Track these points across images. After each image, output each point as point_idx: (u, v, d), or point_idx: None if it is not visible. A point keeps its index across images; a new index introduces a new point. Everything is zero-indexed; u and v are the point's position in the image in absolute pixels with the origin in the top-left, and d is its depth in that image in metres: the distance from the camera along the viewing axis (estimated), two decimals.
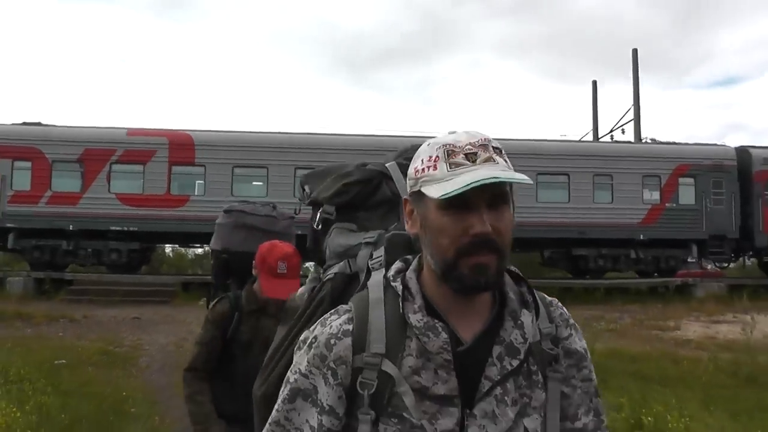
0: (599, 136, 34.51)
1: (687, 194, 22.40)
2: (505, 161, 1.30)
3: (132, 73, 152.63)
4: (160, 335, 13.44)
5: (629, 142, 28.86)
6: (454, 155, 1.29)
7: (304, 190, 2.00)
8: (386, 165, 1.80)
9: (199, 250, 28.69)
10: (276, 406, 1.39)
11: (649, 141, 31.58)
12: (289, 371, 1.41)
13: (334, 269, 1.70)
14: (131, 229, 20.68)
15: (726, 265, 23.95)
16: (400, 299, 1.37)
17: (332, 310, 1.44)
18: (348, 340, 1.34)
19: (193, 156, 21.11)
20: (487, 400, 1.29)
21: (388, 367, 1.30)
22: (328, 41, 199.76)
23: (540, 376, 1.35)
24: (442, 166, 1.29)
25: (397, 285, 1.39)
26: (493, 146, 1.31)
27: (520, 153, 20.33)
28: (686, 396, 7.94)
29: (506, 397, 1.30)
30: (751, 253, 24.10)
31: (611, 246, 21.79)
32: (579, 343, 1.43)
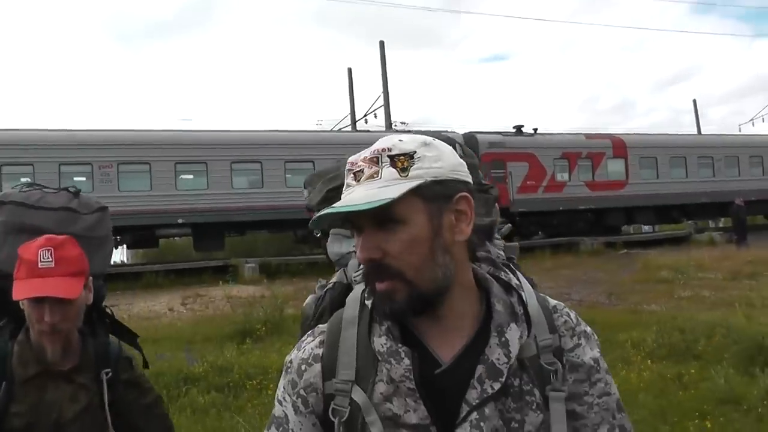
0: (356, 121, 37.21)
1: None
2: (403, 170, 1.19)
3: None
4: None
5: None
6: (349, 174, 1.24)
7: (305, 193, 1.95)
8: None
9: None
10: None
11: (400, 124, 35.16)
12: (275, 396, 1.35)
13: (334, 278, 1.69)
14: None
15: None
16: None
17: (310, 331, 1.39)
18: (317, 366, 1.29)
19: None
20: (463, 427, 1.20)
21: (357, 394, 1.23)
22: None
23: (536, 396, 1.25)
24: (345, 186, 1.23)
25: (369, 303, 1.31)
26: (391, 155, 1.21)
27: (270, 144, 22.89)
28: None
29: (482, 424, 1.20)
30: None
31: None
32: (589, 353, 1.33)
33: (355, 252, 1.44)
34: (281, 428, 1.30)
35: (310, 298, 1.82)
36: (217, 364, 7.99)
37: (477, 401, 1.20)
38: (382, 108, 34.93)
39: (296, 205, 22.97)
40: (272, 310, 11.23)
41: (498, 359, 1.22)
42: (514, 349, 1.24)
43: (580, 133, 30.21)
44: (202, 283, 18.34)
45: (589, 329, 1.36)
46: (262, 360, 8.32)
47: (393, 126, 34.51)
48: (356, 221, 1.21)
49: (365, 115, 36.34)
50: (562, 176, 28.18)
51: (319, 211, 1.64)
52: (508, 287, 1.33)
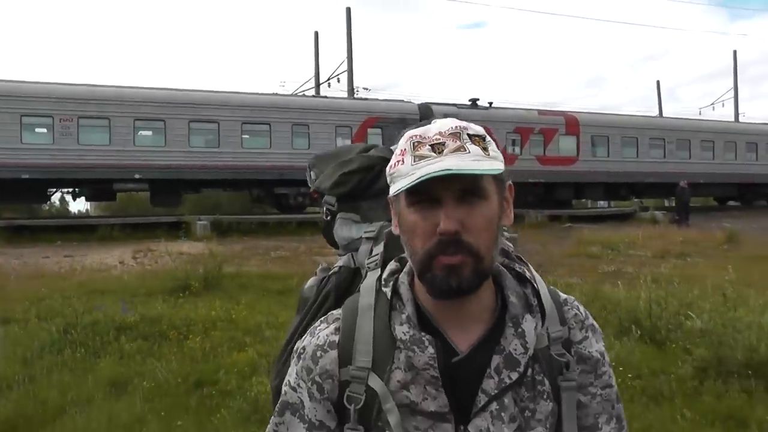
0: (320, 84, 37.72)
1: (375, 142, 26.15)
2: (484, 149, 1.21)
3: None
4: None
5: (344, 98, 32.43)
6: (420, 147, 1.21)
7: (310, 174, 1.91)
8: (391, 149, 1.47)
9: None
10: (271, 417, 1.35)
11: (363, 89, 35.86)
12: (283, 382, 1.36)
13: (340, 262, 1.67)
14: None
15: None
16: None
17: (323, 318, 1.38)
18: (334, 353, 1.29)
19: None
20: (482, 416, 1.22)
21: (374, 382, 1.24)
22: None
23: (547, 385, 1.27)
24: (408, 160, 1.21)
25: (388, 291, 1.32)
26: (469, 133, 1.22)
27: (227, 105, 23.63)
28: (288, 302, 10.95)
29: (503, 414, 1.23)
30: None
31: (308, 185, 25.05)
32: (595, 346, 1.36)
33: (365, 238, 1.61)
34: (297, 414, 1.31)
35: (311, 280, 1.75)
36: (148, 316, 8.77)
37: (495, 391, 1.23)
38: (346, 73, 35.60)
39: (252, 166, 23.74)
40: (211, 268, 11.93)
41: (515, 349, 1.25)
42: (531, 339, 1.26)
43: (534, 109, 31.13)
44: (156, 238, 18.84)
45: (594, 322, 1.39)
46: (189, 313, 9.09)
47: (356, 91, 35.20)
48: (435, 192, 1.18)
49: (328, 79, 37.02)
50: (514, 150, 29.11)
51: (330, 194, 1.76)
52: (521, 279, 1.35)
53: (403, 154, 1.23)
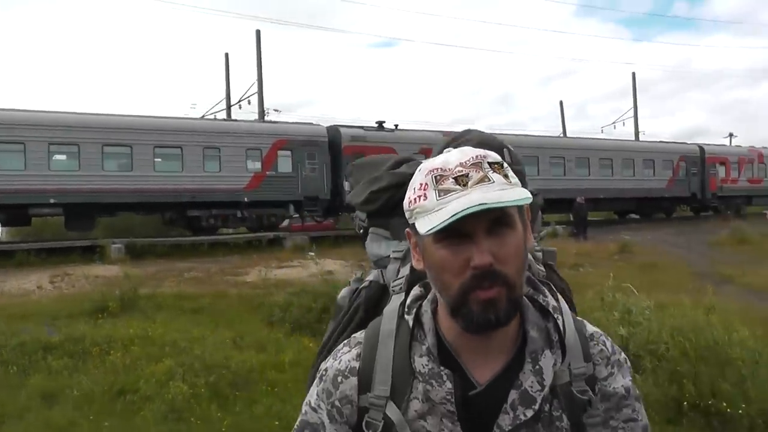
0: (231, 106, 38.47)
1: (285, 164, 27.36)
2: (506, 176, 1.22)
3: None
4: None
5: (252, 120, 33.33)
6: (443, 180, 1.20)
7: (345, 184, 2.47)
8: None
9: None
10: None
11: (274, 111, 36.97)
12: (304, 401, 1.39)
13: (370, 276, 1.67)
14: None
15: (320, 220, 29.37)
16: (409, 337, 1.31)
17: (346, 341, 1.41)
18: (354, 380, 1.32)
19: None
20: None
21: (392, 411, 1.26)
22: None
23: (565, 422, 1.26)
24: (432, 195, 1.20)
25: (410, 319, 1.33)
26: (489, 162, 1.23)
27: (140, 129, 24.33)
28: (201, 320, 11.99)
29: None
30: (339, 211, 29.83)
31: (221, 207, 26.01)
32: (621, 381, 1.34)
33: (393, 258, 1.60)
34: None
35: (345, 291, 1.74)
36: (72, 336, 9.71)
37: (510, 427, 1.22)
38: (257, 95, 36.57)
39: (164, 189, 24.47)
40: (127, 290, 12.83)
41: (531, 386, 1.24)
42: (548, 377, 1.25)
43: (439, 131, 32.70)
44: (71, 262, 19.29)
45: (623, 357, 1.37)
46: (109, 332, 10.04)
47: (266, 113, 36.26)
48: (465, 227, 1.17)
49: (239, 101, 37.74)
50: None
51: (361, 210, 1.77)
52: (544, 311, 1.33)
53: (424, 189, 1.22)
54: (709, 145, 44.14)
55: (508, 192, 1.18)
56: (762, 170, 44.78)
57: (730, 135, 59.85)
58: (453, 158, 1.23)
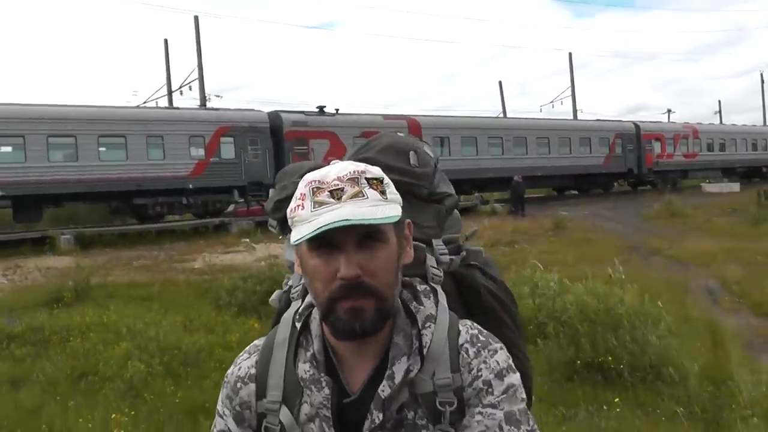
0: (172, 92, 38.66)
1: (228, 150, 27.95)
2: (382, 193, 1.26)
3: None
4: None
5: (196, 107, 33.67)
6: (319, 192, 1.25)
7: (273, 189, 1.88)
8: None
9: None
10: None
11: (215, 96, 37.32)
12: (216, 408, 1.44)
13: (289, 282, 1.68)
14: None
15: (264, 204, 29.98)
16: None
17: (247, 347, 1.47)
18: (252, 386, 1.38)
19: None
20: None
21: (284, 415, 1.32)
22: None
23: (431, 430, 1.30)
24: (308, 205, 1.25)
25: (298, 326, 1.39)
26: (367, 177, 1.27)
27: (84, 119, 24.58)
28: (152, 306, 12.66)
29: None
30: None
31: (166, 195, 26.46)
32: (485, 376, 1.32)
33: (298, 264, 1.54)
34: None
35: (276, 294, 1.72)
36: (32, 325, 10.37)
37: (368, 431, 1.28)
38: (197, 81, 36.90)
39: (109, 179, 24.85)
40: (80, 280, 13.48)
41: (383, 391, 1.28)
42: (398, 382, 1.28)
43: (379, 114, 33.55)
44: (21, 254, 19.73)
45: (498, 365, 1.33)
46: (67, 321, 10.74)
47: (207, 99, 36.61)
48: (335, 239, 1.21)
49: (180, 87, 38.00)
50: None
51: (271, 218, 1.82)
52: (414, 319, 1.35)
53: (303, 199, 1.26)
54: (644, 122, 46.19)
55: (379, 209, 1.23)
56: (697, 145, 46.98)
57: (668, 111, 62.38)
58: (333, 171, 1.28)
